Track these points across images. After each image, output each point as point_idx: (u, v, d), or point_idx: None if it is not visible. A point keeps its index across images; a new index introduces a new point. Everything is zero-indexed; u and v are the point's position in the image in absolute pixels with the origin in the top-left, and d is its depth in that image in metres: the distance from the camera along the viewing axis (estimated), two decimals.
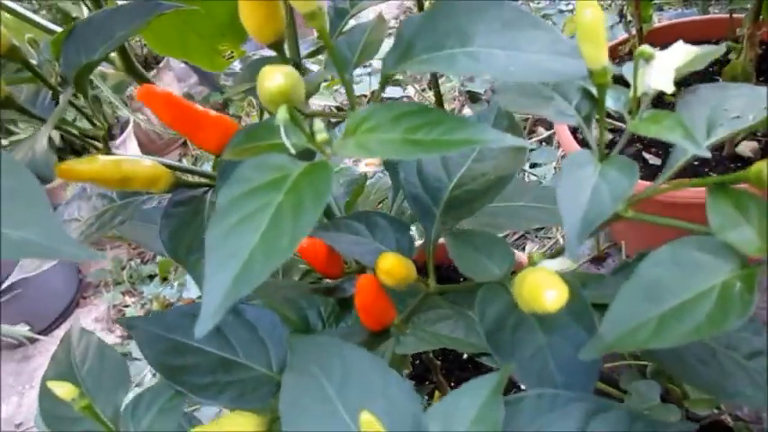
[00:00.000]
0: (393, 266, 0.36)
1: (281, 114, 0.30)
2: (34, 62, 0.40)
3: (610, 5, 1.56)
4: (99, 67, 0.71)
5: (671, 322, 0.28)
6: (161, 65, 2.24)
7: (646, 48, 0.34)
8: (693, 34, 1.01)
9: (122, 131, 2.11)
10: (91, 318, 1.91)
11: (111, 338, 1.70)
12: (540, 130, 1.49)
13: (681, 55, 0.34)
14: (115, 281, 1.96)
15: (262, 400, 0.39)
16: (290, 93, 0.31)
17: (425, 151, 0.31)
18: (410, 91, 1.80)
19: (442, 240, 0.71)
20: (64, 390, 0.34)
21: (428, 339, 0.61)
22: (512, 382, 0.35)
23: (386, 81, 0.38)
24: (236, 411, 0.32)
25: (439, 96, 0.82)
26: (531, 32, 0.34)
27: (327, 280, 0.58)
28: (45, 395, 0.39)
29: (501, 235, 1.23)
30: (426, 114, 0.32)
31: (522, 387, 0.50)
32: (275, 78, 0.31)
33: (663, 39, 0.98)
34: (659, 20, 1.24)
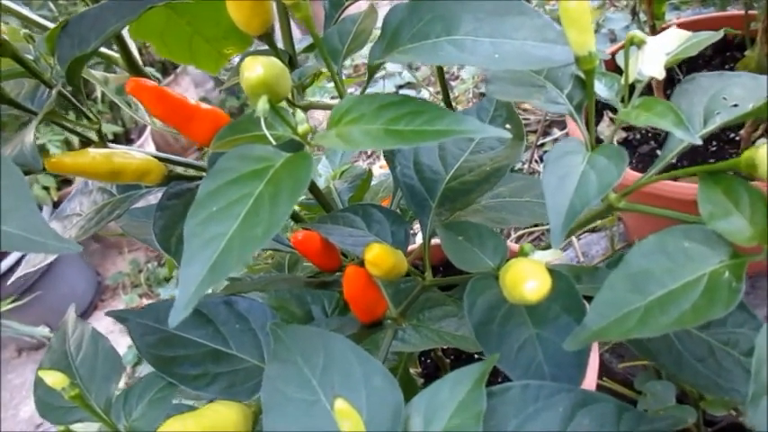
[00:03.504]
0: (378, 257, 0.36)
1: (261, 104, 0.30)
2: (30, 57, 0.40)
3: (626, 6, 1.53)
4: (101, 73, 0.72)
5: (656, 312, 0.27)
6: (178, 70, 2.27)
7: (637, 33, 0.33)
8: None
9: (140, 135, 2.15)
10: (109, 320, 1.94)
11: (128, 340, 1.73)
12: (555, 131, 1.47)
13: (672, 40, 0.33)
14: (133, 283, 1.99)
15: (252, 391, 0.39)
16: (270, 83, 0.31)
17: (406, 141, 0.30)
18: (425, 94, 1.80)
19: None
20: (54, 379, 0.34)
21: (431, 337, 0.60)
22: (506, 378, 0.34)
23: (373, 72, 0.38)
24: (219, 401, 0.32)
25: (447, 98, 0.81)
26: (517, 19, 0.33)
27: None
28: (39, 384, 0.40)
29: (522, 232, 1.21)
30: (408, 105, 0.32)
31: None
32: (255, 69, 0.30)
33: None
34: (678, 18, 1.22)
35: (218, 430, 0.30)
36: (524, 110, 1.55)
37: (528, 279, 0.28)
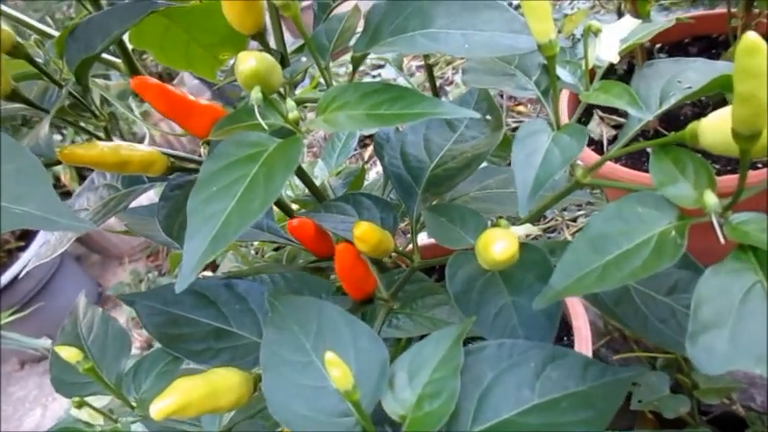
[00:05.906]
0: (366, 233, 0.39)
1: (255, 94, 0.34)
2: (40, 61, 0.44)
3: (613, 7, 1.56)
4: (103, 81, 0.75)
5: (612, 269, 0.31)
6: (175, 81, 2.31)
7: (593, 22, 0.36)
8: (696, 30, 1.02)
9: None
10: None
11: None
12: None
13: (626, 27, 0.36)
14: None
15: (252, 364, 0.42)
16: (263, 74, 0.34)
17: (386, 123, 0.34)
18: None
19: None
20: (69, 353, 0.37)
21: (424, 324, 0.63)
22: None
23: (358, 64, 0.41)
24: (223, 367, 0.35)
25: (436, 95, 0.85)
26: (487, 13, 0.37)
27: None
28: (55, 363, 0.43)
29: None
30: (389, 92, 0.35)
31: None
32: (249, 61, 0.34)
33: (665, 36, 1.00)
34: (667, 17, 1.25)
35: (223, 389, 0.33)
36: (518, 112, 1.58)
37: (496, 241, 0.31)
